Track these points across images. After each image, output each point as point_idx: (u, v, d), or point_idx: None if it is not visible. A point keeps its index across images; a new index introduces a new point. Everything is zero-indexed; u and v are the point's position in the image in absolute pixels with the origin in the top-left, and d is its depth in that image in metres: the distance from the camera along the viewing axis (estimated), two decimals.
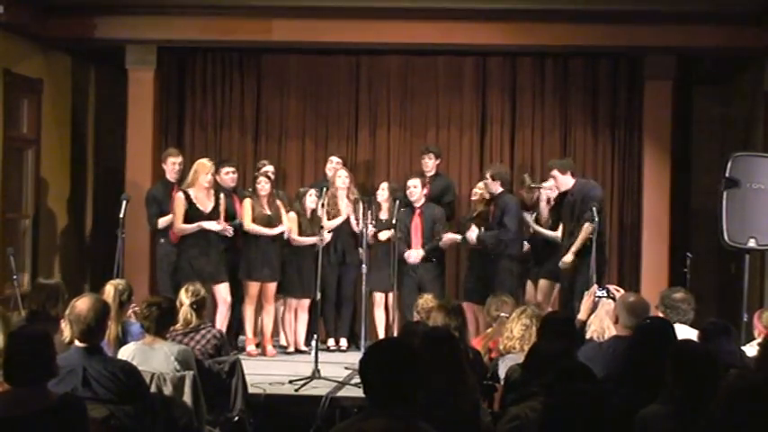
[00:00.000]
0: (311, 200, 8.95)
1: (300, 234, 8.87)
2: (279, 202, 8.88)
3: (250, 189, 8.96)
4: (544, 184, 8.80)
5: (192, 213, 8.33)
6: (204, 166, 8.46)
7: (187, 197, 8.33)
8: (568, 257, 8.11)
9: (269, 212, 8.75)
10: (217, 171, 8.75)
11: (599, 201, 8.13)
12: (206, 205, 8.40)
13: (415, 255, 8.89)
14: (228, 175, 8.89)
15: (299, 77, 10.31)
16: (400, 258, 8.75)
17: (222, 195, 8.61)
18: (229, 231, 8.45)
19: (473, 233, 8.67)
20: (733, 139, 9.87)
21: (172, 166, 8.87)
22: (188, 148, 9.93)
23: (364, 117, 10.31)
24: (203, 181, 8.39)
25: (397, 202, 8.70)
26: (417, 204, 9.01)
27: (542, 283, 8.75)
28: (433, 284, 8.76)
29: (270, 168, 9.15)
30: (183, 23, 9.51)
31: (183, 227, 8.35)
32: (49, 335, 4.12)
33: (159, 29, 9.55)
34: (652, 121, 9.66)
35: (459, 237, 8.89)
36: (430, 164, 9.33)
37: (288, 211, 8.91)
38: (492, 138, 10.19)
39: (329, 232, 8.69)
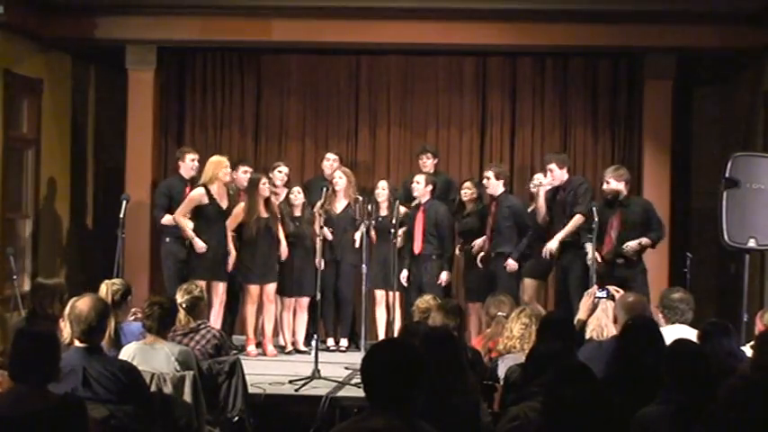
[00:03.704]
0: (294, 197, 9.00)
1: (286, 234, 8.88)
2: (273, 202, 8.88)
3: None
4: (542, 179, 8.75)
5: (213, 210, 8.37)
6: (221, 162, 8.50)
7: (208, 193, 8.33)
8: (553, 244, 8.17)
9: (266, 215, 8.73)
10: (234, 169, 8.96)
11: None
12: (223, 203, 8.44)
13: (445, 277, 8.86)
14: (246, 174, 8.95)
15: (299, 77, 10.31)
16: (402, 256, 8.77)
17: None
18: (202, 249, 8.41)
19: (513, 264, 8.54)
20: (733, 139, 9.87)
21: (191, 163, 8.88)
22: (192, 149, 9.90)
23: (364, 117, 10.31)
24: (223, 176, 8.41)
25: (397, 201, 8.71)
26: (422, 201, 8.99)
27: (527, 282, 8.74)
28: (435, 284, 8.75)
29: (285, 170, 9.14)
30: (183, 23, 9.52)
31: (180, 221, 8.33)
32: (56, 336, 4.14)
33: (159, 29, 9.56)
34: (652, 121, 9.66)
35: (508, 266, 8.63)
36: (428, 163, 9.31)
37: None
38: (492, 138, 10.20)
39: (321, 228, 8.64)
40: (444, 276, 8.85)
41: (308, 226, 8.94)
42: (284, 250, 8.85)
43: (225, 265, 8.52)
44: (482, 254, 8.72)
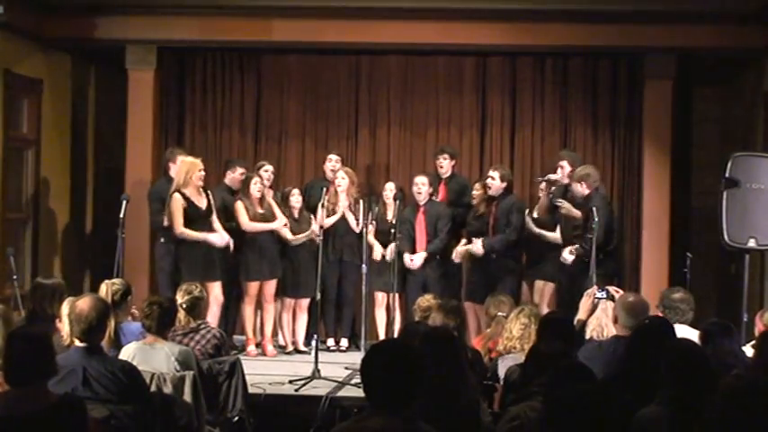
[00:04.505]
0: (295, 199, 8.96)
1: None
2: (271, 200, 8.87)
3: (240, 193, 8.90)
4: (551, 176, 8.76)
5: (191, 212, 8.29)
6: (195, 163, 8.38)
7: (184, 197, 8.29)
8: (568, 257, 8.16)
9: (262, 211, 8.75)
10: (231, 170, 9.02)
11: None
12: (201, 203, 8.38)
13: (418, 259, 8.81)
14: (244, 176, 8.94)
15: (299, 77, 10.31)
16: (402, 258, 8.76)
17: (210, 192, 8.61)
18: (231, 245, 8.44)
19: (478, 245, 8.53)
20: (733, 139, 9.87)
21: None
22: (188, 148, 9.86)
23: (364, 117, 10.31)
24: (197, 179, 8.32)
25: (398, 202, 8.69)
26: (421, 202, 8.97)
27: (538, 284, 8.75)
28: (437, 284, 8.73)
29: (270, 168, 9.14)
30: (183, 23, 9.52)
31: (186, 232, 8.23)
32: (47, 334, 4.13)
33: (159, 29, 9.56)
34: (652, 121, 9.66)
35: (470, 246, 8.68)
36: (445, 165, 9.23)
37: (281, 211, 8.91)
38: (492, 138, 10.19)
39: (321, 228, 8.60)
40: (407, 259, 8.80)
41: (309, 228, 8.92)
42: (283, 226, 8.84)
43: (219, 265, 8.48)
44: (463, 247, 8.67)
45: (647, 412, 3.97)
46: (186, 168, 8.31)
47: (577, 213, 8.22)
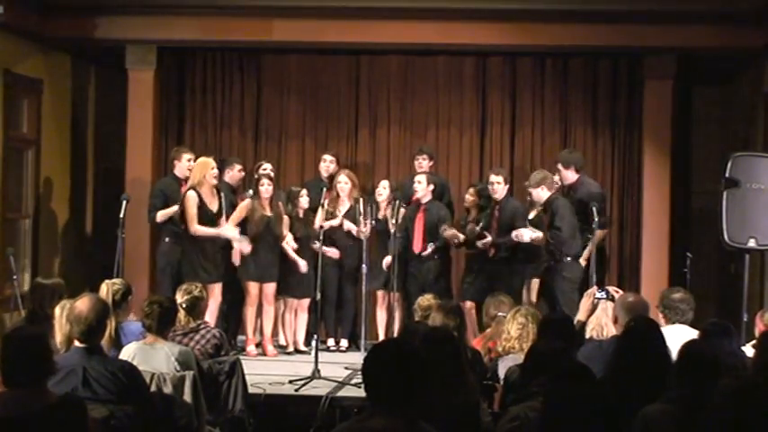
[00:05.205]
0: (304, 200, 8.96)
1: (292, 233, 8.87)
2: (279, 204, 8.88)
3: (251, 191, 8.91)
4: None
5: (203, 212, 8.30)
6: (207, 163, 8.42)
7: (198, 196, 8.29)
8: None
9: (270, 214, 8.75)
10: (230, 168, 9.05)
11: (599, 200, 8.17)
12: (213, 204, 8.40)
13: (430, 248, 8.80)
14: (241, 173, 9.02)
15: (299, 77, 10.31)
16: (402, 258, 8.74)
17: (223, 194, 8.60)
18: (245, 247, 8.45)
19: (487, 241, 8.55)
20: (733, 139, 9.87)
21: (188, 163, 8.81)
22: (188, 148, 9.88)
23: (364, 117, 10.31)
24: (210, 177, 8.35)
25: (397, 201, 8.69)
26: (423, 201, 8.97)
27: (535, 282, 8.74)
28: (436, 284, 8.72)
29: (269, 166, 9.15)
30: (183, 23, 9.52)
31: (200, 230, 8.23)
32: (43, 335, 4.12)
33: (159, 29, 9.56)
34: (652, 121, 9.67)
35: (460, 235, 8.73)
36: (424, 165, 9.28)
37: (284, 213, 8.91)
38: (492, 138, 10.20)
39: (321, 228, 8.57)
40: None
41: (311, 228, 8.92)
42: (290, 248, 8.83)
43: (221, 266, 8.49)
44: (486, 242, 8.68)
45: (652, 410, 3.97)
46: (200, 168, 8.37)
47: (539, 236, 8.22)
